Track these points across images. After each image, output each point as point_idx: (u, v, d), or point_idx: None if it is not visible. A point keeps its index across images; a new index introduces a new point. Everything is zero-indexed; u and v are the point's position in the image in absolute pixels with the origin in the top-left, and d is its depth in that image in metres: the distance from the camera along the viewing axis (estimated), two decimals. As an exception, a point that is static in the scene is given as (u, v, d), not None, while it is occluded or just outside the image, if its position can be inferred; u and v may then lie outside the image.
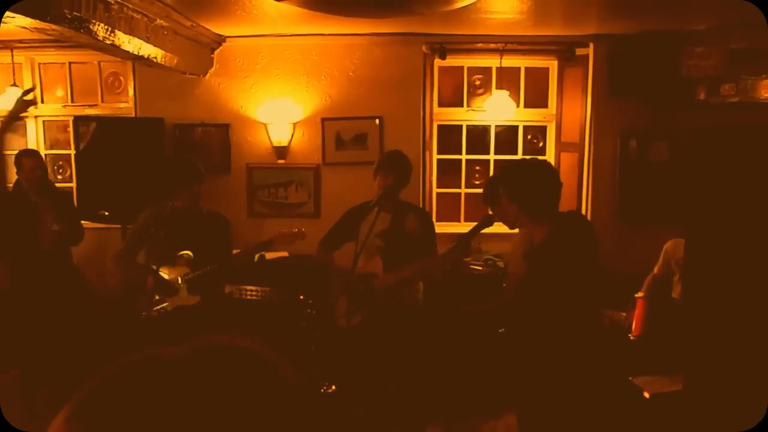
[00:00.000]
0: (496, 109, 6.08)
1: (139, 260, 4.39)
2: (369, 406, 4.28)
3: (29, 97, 4.62)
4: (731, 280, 2.95)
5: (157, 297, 4.06)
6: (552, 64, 6.27)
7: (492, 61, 6.18)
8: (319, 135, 6.16)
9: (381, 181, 4.04)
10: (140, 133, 5.84)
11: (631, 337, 4.59)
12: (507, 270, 3.82)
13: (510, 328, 3.84)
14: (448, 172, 6.49)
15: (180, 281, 4.19)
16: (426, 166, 6.22)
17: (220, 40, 6.00)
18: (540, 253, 3.32)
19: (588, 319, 3.50)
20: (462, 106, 6.39)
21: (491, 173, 6.39)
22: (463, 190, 6.50)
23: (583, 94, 6.08)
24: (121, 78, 6.37)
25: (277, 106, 6.05)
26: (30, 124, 6.40)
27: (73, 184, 6.08)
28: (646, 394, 4.09)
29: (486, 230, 3.89)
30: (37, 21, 3.35)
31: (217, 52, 6.08)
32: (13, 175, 5.53)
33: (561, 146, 6.31)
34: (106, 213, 5.62)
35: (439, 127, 6.40)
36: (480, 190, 6.38)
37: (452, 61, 6.13)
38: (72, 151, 6.16)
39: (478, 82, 6.39)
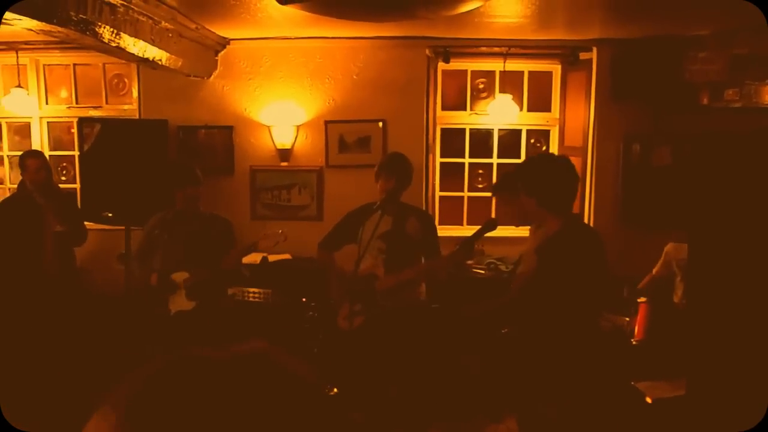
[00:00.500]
0: (500, 113, 6.08)
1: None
2: (370, 408, 4.28)
3: None
4: (734, 285, 2.95)
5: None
6: (555, 68, 6.28)
7: (495, 65, 6.19)
8: (323, 138, 6.17)
9: (383, 184, 4.06)
10: (144, 134, 5.85)
11: (634, 342, 4.60)
12: (516, 270, 3.82)
13: (513, 328, 3.84)
14: (451, 175, 6.50)
15: (180, 286, 4.23)
16: (429, 169, 6.23)
17: (225, 42, 6.02)
18: (554, 245, 3.32)
19: (591, 321, 3.51)
20: (465, 109, 6.40)
21: (494, 177, 6.39)
22: (466, 194, 6.50)
23: (586, 98, 6.09)
24: (126, 80, 6.39)
25: (280, 108, 6.07)
26: (34, 125, 6.42)
27: (77, 186, 6.09)
28: (649, 399, 4.09)
29: (489, 234, 3.89)
30: (44, 23, 3.37)
31: (221, 54, 6.09)
32: (17, 176, 5.56)
33: (564, 150, 6.30)
34: (110, 214, 5.64)
35: (443, 130, 6.40)
36: (484, 194, 6.44)
37: (456, 64, 6.14)
38: (76, 153, 6.17)
39: (481, 86, 6.39)
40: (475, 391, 4.97)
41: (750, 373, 2.83)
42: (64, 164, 6.55)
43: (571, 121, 6.30)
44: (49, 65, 6.41)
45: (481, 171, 6.53)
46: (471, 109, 6.39)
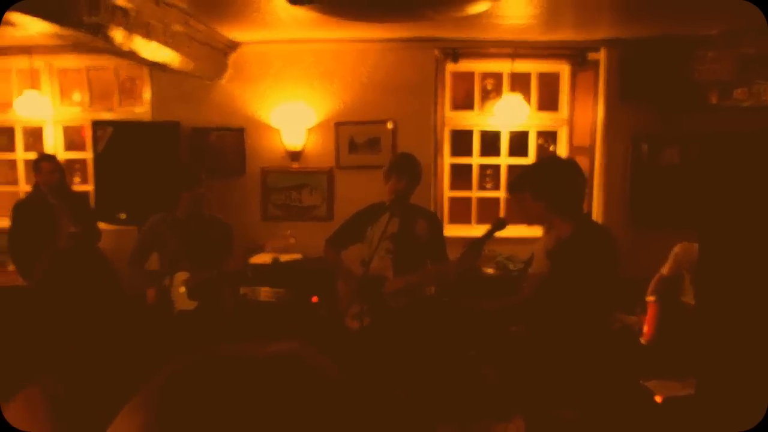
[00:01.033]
0: (508, 114, 6.10)
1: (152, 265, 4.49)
2: (379, 408, 4.29)
3: None
4: (744, 285, 2.96)
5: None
6: (564, 69, 6.29)
7: (504, 66, 6.21)
8: (333, 139, 6.21)
9: (393, 184, 4.07)
10: (156, 136, 5.91)
11: (643, 341, 4.61)
12: (528, 271, 3.83)
13: (525, 328, 3.86)
14: (460, 176, 6.52)
15: (181, 287, 4.28)
16: (438, 170, 6.25)
17: (235, 45, 6.06)
18: (566, 250, 3.33)
19: (603, 322, 3.52)
20: (474, 110, 6.42)
21: (503, 177, 6.41)
22: (475, 194, 6.52)
23: (594, 98, 6.09)
24: (138, 83, 6.44)
25: (290, 110, 6.11)
26: (48, 128, 6.49)
27: (91, 187, 6.15)
28: (658, 398, 4.10)
29: (498, 233, 3.91)
30: (57, 26, 3.42)
31: (232, 57, 6.14)
32: (31, 178, 5.63)
33: (572, 150, 6.32)
34: (123, 215, 5.70)
35: (451, 131, 6.43)
36: (491, 194, 6.46)
37: (464, 65, 6.16)
38: (90, 155, 6.23)
39: (490, 87, 6.42)
40: (483, 391, 4.99)
41: (759, 372, 2.84)
42: (78, 166, 6.62)
43: (579, 122, 6.30)
44: (62, 69, 6.47)
45: (489, 171, 6.55)
46: (479, 110, 6.41)
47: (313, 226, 6.06)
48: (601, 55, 5.97)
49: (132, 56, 4.45)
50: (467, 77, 6.39)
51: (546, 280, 3.47)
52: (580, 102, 6.27)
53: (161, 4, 4.37)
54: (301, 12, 4.43)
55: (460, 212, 6.52)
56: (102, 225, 5.60)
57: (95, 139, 5.90)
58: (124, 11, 3.96)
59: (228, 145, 6.25)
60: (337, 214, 6.11)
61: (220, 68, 6.08)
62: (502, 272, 5.79)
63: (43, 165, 5.26)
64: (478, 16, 4.60)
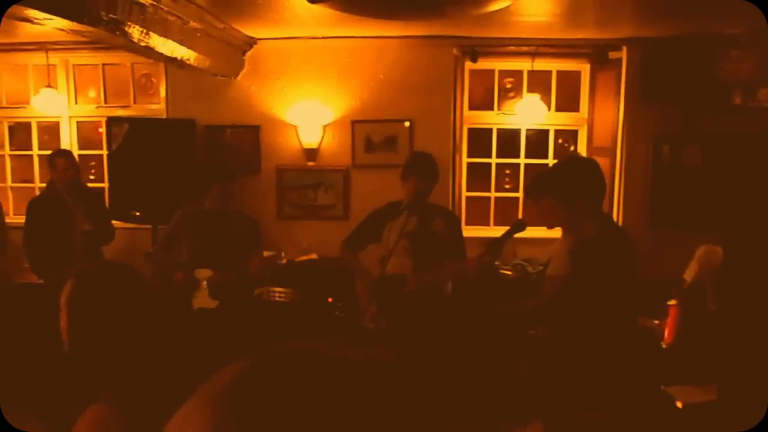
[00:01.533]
0: (527, 113, 6.04)
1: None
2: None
3: None
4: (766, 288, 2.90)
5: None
6: (584, 68, 6.22)
7: (523, 65, 6.14)
8: (349, 137, 6.16)
9: (410, 183, 4.02)
10: (172, 134, 5.89)
11: (664, 346, 4.53)
12: (547, 273, 3.77)
13: (545, 331, 3.80)
14: (478, 175, 6.46)
15: (204, 283, 4.24)
16: (456, 169, 6.20)
17: (252, 42, 6.03)
18: (591, 250, 3.28)
19: (625, 325, 3.46)
20: (492, 109, 6.35)
21: (521, 177, 6.35)
22: (493, 194, 6.46)
23: (615, 97, 6.02)
24: (153, 79, 6.43)
25: (307, 108, 6.07)
26: (64, 124, 6.48)
27: (105, 185, 6.14)
28: (679, 404, 4.03)
29: (518, 234, 3.85)
30: (75, 23, 3.39)
31: (248, 54, 6.11)
32: (46, 175, 5.61)
33: (593, 151, 6.24)
34: (138, 213, 5.67)
35: (470, 130, 6.36)
36: (511, 194, 6.40)
37: (483, 64, 6.09)
38: (104, 152, 6.22)
39: (509, 86, 6.35)
40: (502, 393, 4.93)
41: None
42: (93, 163, 6.61)
43: (599, 121, 6.23)
44: (78, 65, 6.46)
45: (508, 171, 6.48)
46: (498, 109, 6.34)
47: (328, 225, 6.02)
48: (623, 54, 5.89)
49: (148, 53, 4.43)
50: (486, 76, 6.33)
51: (567, 282, 3.41)
52: (600, 101, 6.20)
53: (179, 1, 4.33)
54: (318, 9, 4.38)
55: (479, 213, 6.45)
56: (116, 223, 5.58)
57: (110, 136, 5.88)
58: (141, 7, 3.93)
59: (243, 142, 6.22)
60: (353, 213, 6.07)
61: (237, 65, 6.05)
62: (520, 275, 5.73)
63: (58, 161, 5.24)
64: (497, 14, 4.54)
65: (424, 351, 4.05)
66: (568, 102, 6.32)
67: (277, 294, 5.25)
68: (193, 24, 4.71)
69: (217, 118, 6.17)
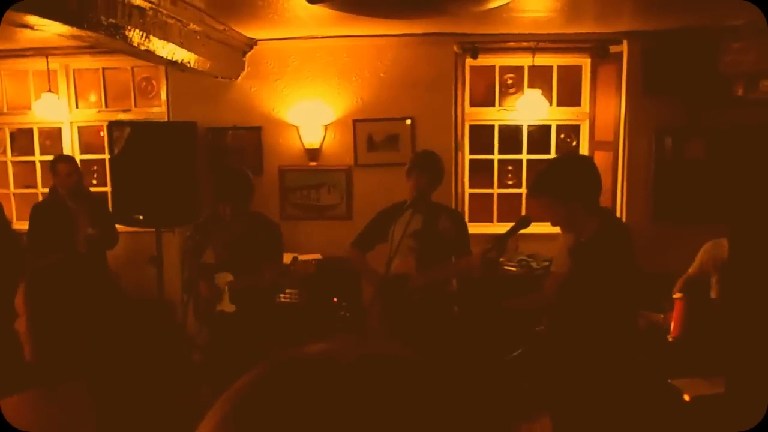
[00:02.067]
0: (529, 109, 6.03)
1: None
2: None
3: None
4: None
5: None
6: (585, 62, 6.20)
7: (524, 60, 6.13)
8: (351, 136, 6.16)
9: (415, 181, 4.03)
10: (173, 136, 5.87)
11: (670, 339, 4.53)
12: (551, 269, 3.76)
13: (548, 326, 3.79)
14: (481, 172, 6.45)
15: (225, 288, 4.22)
16: (458, 166, 6.19)
17: (252, 43, 6.03)
18: (589, 248, 3.27)
19: (627, 319, 3.46)
20: (494, 105, 6.34)
21: (524, 173, 6.34)
22: (496, 191, 6.45)
23: (617, 91, 6.01)
24: (154, 82, 6.43)
25: (308, 108, 6.06)
26: (65, 129, 6.48)
27: (108, 189, 6.14)
28: (686, 397, 4.02)
29: (522, 231, 3.84)
30: (74, 28, 3.39)
31: (248, 55, 6.11)
32: (49, 181, 5.62)
33: (595, 145, 6.24)
34: (141, 217, 5.66)
35: (471, 127, 6.36)
36: (513, 191, 6.39)
37: (484, 60, 6.08)
38: (106, 156, 6.22)
39: (510, 82, 6.34)
40: (508, 389, 4.93)
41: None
42: (95, 168, 6.61)
43: (601, 116, 6.22)
44: (78, 70, 6.46)
45: (510, 167, 6.48)
46: (500, 105, 6.33)
47: (331, 225, 6.02)
48: (624, 48, 5.88)
49: (149, 56, 4.42)
50: (487, 72, 6.32)
51: (567, 280, 3.41)
52: (602, 96, 6.19)
53: (178, 4, 4.33)
54: (318, 9, 4.37)
55: (482, 209, 6.44)
56: (119, 227, 5.58)
57: (112, 141, 5.88)
58: (140, 11, 3.92)
59: (245, 144, 6.22)
60: (356, 212, 6.07)
61: (237, 67, 6.05)
62: (525, 271, 5.72)
63: (60, 167, 5.25)
64: (497, 10, 4.53)
65: (427, 348, 4.05)
66: (569, 97, 6.30)
67: (282, 295, 5.25)
68: (192, 26, 4.70)
69: (219, 120, 6.17)
